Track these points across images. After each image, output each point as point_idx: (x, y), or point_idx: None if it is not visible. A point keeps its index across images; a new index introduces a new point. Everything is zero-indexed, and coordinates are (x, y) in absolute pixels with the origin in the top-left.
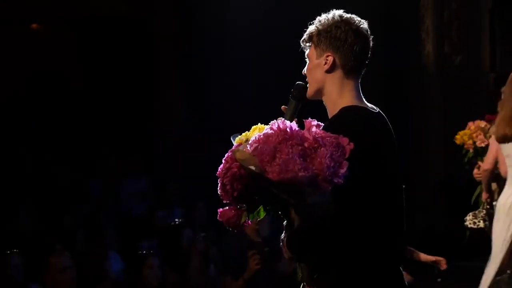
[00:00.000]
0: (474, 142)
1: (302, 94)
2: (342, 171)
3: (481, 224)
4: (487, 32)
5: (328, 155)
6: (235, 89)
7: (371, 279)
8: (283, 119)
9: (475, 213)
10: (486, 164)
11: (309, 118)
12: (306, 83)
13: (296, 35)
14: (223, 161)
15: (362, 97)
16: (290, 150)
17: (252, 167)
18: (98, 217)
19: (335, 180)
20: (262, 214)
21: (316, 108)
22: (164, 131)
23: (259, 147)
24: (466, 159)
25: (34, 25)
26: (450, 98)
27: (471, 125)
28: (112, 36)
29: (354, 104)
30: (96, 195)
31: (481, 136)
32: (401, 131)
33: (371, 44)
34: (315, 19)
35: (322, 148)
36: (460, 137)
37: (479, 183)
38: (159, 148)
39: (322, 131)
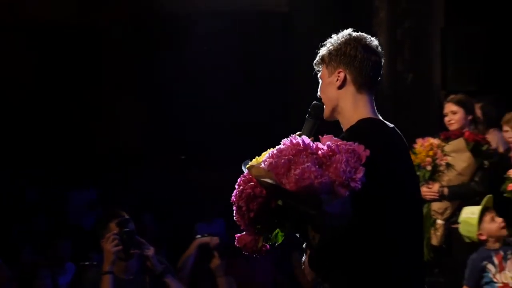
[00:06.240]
0: (434, 160)
1: (319, 113)
2: (359, 175)
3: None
4: (439, 50)
5: (343, 161)
6: (196, 99)
7: None
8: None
9: None
10: None
11: (325, 134)
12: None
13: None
14: (236, 186)
15: (376, 112)
16: (305, 160)
17: (269, 181)
18: (48, 229)
19: (352, 185)
20: (280, 238)
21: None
22: (115, 142)
23: (273, 161)
24: (422, 177)
25: None
26: (401, 116)
27: (422, 142)
28: (63, 44)
29: (369, 116)
30: (44, 205)
31: (440, 154)
32: None
33: (382, 60)
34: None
35: (338, 155)
36: (419, 154)
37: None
38: (107, 159)
39: (337, 140)
